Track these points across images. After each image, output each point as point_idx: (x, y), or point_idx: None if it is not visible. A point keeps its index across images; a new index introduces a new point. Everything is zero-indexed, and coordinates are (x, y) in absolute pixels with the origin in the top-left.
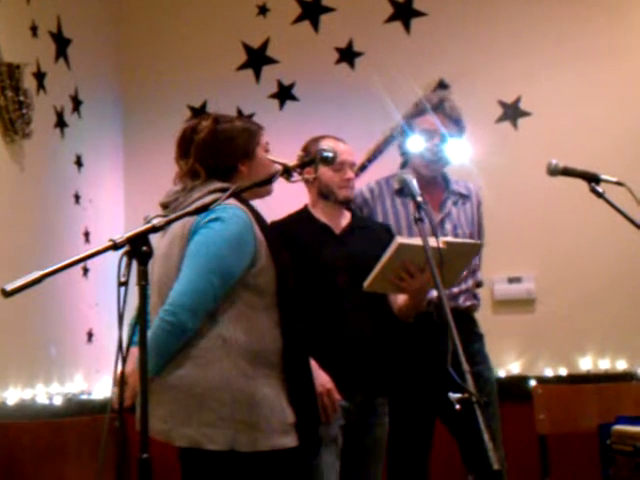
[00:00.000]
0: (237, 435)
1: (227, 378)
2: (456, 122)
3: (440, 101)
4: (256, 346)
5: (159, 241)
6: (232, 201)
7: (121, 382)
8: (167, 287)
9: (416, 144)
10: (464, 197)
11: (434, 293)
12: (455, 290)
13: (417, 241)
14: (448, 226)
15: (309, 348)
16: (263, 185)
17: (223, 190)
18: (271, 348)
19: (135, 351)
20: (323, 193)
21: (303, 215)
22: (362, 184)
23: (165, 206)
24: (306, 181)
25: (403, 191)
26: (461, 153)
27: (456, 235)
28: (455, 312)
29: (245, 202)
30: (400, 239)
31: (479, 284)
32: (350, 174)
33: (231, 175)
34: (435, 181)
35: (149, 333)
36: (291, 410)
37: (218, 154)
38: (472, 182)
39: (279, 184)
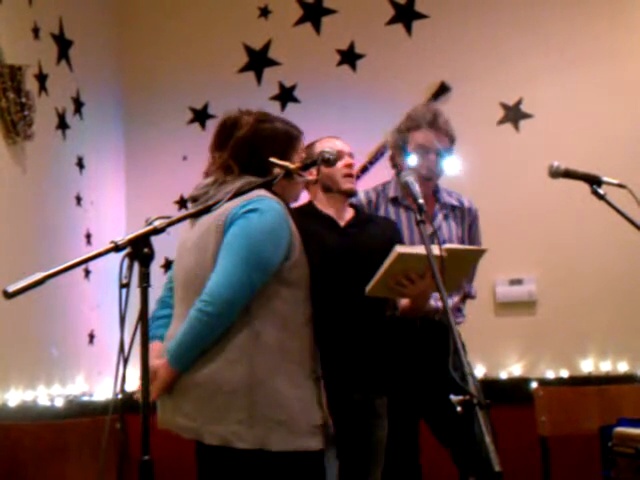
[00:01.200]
0: (267, 434)
1: (257, 376)
2: (449, 135)
3: (434, 116)
4: (289, 344)
5: (187, 233)
6: (268, 194)
7: (123, 379)
8: (201, 279)
9: (412, 160)
10: (455, 209)
11: (439, 303)
12: (440, 306)
13: (416, 250)
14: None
15: (338, 346)
16: (264, 187)
17: (258, 185)
18: (304, 345)
19: (157, 346)
20: (326, 186)
21: (307, 208)
22: (363, 186)
23: (195, 199)
24: (307, 183)
25: (397, 199)
26: (454, 168)
27: None
28: (440, 325)
29: (280, 197)
30: (399, 248)
31: (468, 296)
32: (350, 160)
33: (263, 175)
34: (427, 193)
35: (184, 324)
36: (319, 411)
37: (255, 152)
38: (473, 186)
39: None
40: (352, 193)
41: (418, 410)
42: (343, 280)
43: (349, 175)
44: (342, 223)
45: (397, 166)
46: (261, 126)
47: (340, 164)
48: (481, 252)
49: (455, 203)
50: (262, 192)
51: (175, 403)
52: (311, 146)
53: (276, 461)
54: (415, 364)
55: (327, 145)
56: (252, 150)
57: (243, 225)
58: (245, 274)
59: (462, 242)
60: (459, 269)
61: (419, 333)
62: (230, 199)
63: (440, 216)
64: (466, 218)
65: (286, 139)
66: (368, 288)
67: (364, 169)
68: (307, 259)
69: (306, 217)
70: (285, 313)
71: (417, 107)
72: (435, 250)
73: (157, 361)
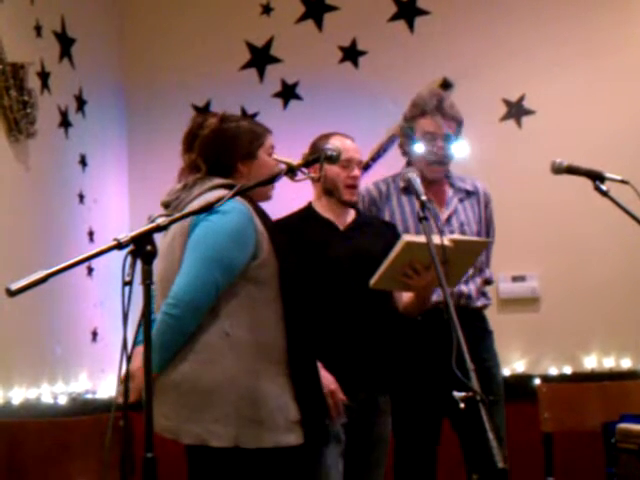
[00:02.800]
0: (241, 431)
1: (231, 374)
2: (455, 119)
3: (439, 101)
4: (260, 341)
5: (161, 241)
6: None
7: (126, 379)
8: (170, 282)
9: (419, 147)
10: (470, 194)
11: (462, 287)
12: (465, 290)
13: (424, 239)
14: (455, 223)
15: (314, 343)
16: (266, 184)
17: (224, 186)
18: (275, 343)
19: (141, 349)
20: (328, 189)
21: (307, 212)
22: (366, 183)
23: (167, 205)
24: (311, 179)
25: (409, 189)
26: (462, 150)
27: (463, 232)
28: (466, 311)
29: (247, 197)
30: (407, 237)
31: (488, 282)
32: (357, 172)
33: (230, 174)
34: (439, 179)
35: (155, 326)
36: (296, 407)
37: (220, 151)
38: (479, 180)
39: (284, 183)
40: (352, 204)
41: (440, 408)
42: (344, 283)
43: (352, 186)
44: (342, 227)
45: (407, 154)
46: (225, 125)
47: (345, 174)
48: (484, 243)
49: (470, 188)
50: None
51: (155, 404)
52: (321, 140)
53: (254, 458)
54: (433, 360)
55: (337, 143)
56: (216, 148)
57: (205, 227)
58: (208, 275)
59: (480, 224)
60: (464, 260)
61: (445, 323)
62: (232, 196)
63: (455, 200)
64: (482, 201)
65: (250, 136)
66: (373, 281)
67: (366, 167)
68: (276, 259)
69: (305, 221)
70: (255, 311)
71: (421, 94)
72: (441, 240)
73: (136, 364)
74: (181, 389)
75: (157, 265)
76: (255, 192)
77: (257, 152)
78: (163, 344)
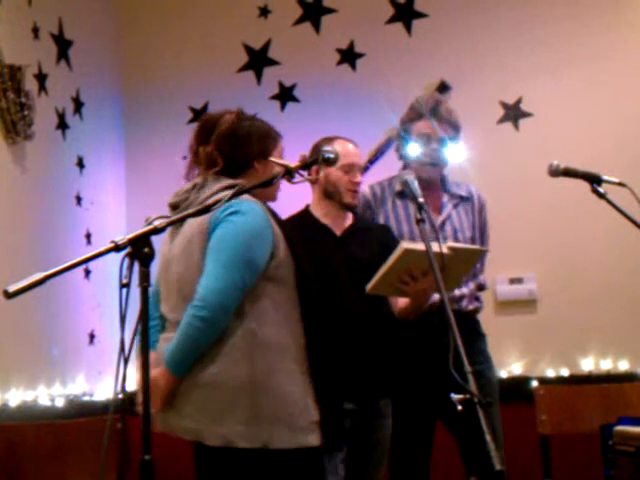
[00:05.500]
0: (269, 432)
1: (258, 374)
2: (452, 124)
3: (436, 104)
4: (284, 340)
5: (170, 242)
6: (247, 196)
7: (124, 379)
8: (191, 285)
9: (414, 148)
10: (464, 199)
11: (436, 297)
12: (457, 293)
13: (422, 246)
14: (448, 229)
15: (331, 341)
16: (265, 186)
17: (231, 188)
18: (296, 342)
19: (151, 356)
20: (329, 193)
21: (304, 216)
22: (363, 186)
23: (175, 206)
24: (309, 182)
25: (404, 193)
26: (458, 154)
27: (456, 239)
28: (458, 314)
29: (256, 198)
30: (405, 244)
31: (481, 287)
32: (359, 177)
33: (246, 170)
34: (434, 184)
35: (179, 331)
36: (315, 408)
37: (237, 147)
38: (474, 185)
39: (282, 185)
40: (352, 207)
41: (434, 411)
42: (340, 289)
43: (353, 191)
44: (339, 232)
45: (402, 158)
46: (242, 123)
47: (347, 178)
48: (481, 252)
49: (464, 194)
50: (243, 195)
51: (176, 406)
52: (323, 143)
53: (277, 459)
54: (426, 363)
55: (338, 148)
56: (234, 144)
57: (227, 228)
58: (235, 276)
59: (473, 230)
60: (461, 267)
61: (437, 327)
62: (232, 198)
63: (450, 206)
64: (476, 206)
65: (265, 136)
66: (369, 286)
67: (364, 169)
68: (293, 259)
69: (302, 225)
70: (277, 311)
71: (419, 97)
72: (439, 248)
73: (154, 370)
74: (208, 390)
75: (172, 266)
76: (260, 193)
77: (271, 153)
78: (192, 346)
